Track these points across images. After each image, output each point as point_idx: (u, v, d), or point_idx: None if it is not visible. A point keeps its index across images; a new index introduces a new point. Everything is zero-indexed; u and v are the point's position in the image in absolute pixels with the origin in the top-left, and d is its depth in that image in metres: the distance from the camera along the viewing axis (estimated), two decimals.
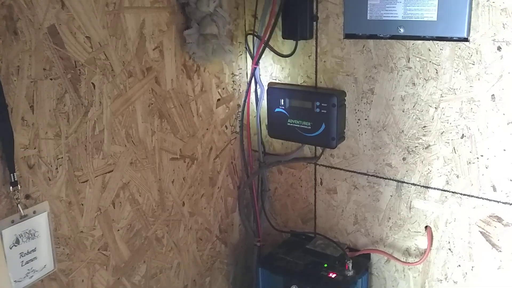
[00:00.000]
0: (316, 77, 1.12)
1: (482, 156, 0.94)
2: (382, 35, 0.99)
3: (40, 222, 0.79)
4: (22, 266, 0.78)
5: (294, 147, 1.21)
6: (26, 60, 0.74)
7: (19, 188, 0.75)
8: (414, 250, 1.08)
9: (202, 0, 0.97)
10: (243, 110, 1.22)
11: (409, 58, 0.97)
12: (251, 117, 1.24)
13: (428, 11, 0.92)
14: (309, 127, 1.10)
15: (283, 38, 1.10)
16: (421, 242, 1.07)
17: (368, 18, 0.99)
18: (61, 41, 0.78)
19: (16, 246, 0.76)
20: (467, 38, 0.90)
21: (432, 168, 1.01)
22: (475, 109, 0.93)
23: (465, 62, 0.91)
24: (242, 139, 1.25)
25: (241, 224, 1.33)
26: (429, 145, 1.00)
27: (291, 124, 1.12)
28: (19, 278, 0.77)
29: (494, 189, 0.94)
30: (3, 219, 0.73)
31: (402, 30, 0.96)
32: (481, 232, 0.98)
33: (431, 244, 1.05)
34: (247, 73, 1.24)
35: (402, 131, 1.02)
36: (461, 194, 0.99)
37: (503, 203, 0.94)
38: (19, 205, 0.75)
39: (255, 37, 1.16)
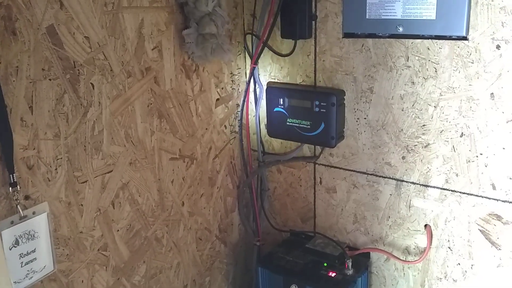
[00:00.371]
0: (315, 76, 1.12)
1: (481, 154, 0.94)
2: (381, 34, 0.99)
3: (40, 223, 0.79)
4: (21, 267, 0.77)
5: (294, 147, 1.20)
6: (25, 60, 0.74)
7: (19, 189, 0.75)
8: (414, 248, 1.09)
9: None
10: (242, 109, 1.22)
11: (408, 57, 0.97)
12: (250, 117, 1.24)
13: (427, 10, 0.92)
14: (309, 127, 1.09)
15: (282, 37, 1.10)
16: (421, 240, 1.07)
17: (367, 17, 0.99)
18: (60, 41, 0.78)
19: (15, 247, 0.76)
20: (466, 37, 0.90)
21: (431, 166, 1.01)
22: (474, 107, 0.93)
23: (464, 61, 0.92)
24: (241, 139, 1.25)
25: (240, 223, 1.33)
26: (429, 144, 1.00)
27: (291, 124, 1.12)
28: (18, 279, 0.77)
29: (494, 188, 0.95)
30: (2, 220, 0.73)
31: (401, 29, 0.96)
32: (480, 231, 0.99)
33: (431, 242, 1.05)
34: (246, 72, 1.24)
35: (402, 130, 1.02)
36: (460, 192, 0.99)
37: (502, 201, 0.94)
38: (18, 206, 0.75)
39: (254, 37, 1.16)
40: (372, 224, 1.13)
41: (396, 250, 1.11)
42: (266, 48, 1.13)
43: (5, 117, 0.71)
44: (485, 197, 0.96)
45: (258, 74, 1.19)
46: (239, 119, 1.23)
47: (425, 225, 1.05)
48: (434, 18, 0.92)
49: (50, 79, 0.77)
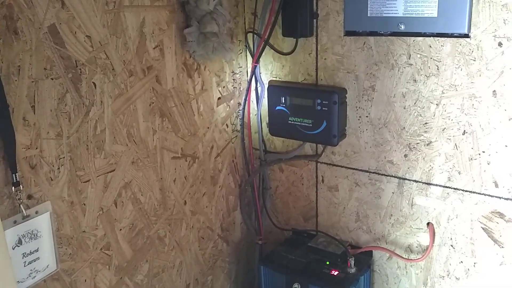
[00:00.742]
0: (316, 74, 1.11)
1: (483, 152, 0.94)
2: (382, 32, 0.99)
3: (43, 222, 0.79)
4: (24, 266, 0.78)
5: (295, 145, 1.20)
6: (26, 60, 0.74)
7: (21, 189, 0.75)
8: (416, 246, 1.08)
9: None
10: (243, 108, 1.22)
11: (410, 55, 0.97)
12: (252, 116, 1.23)
13: (428, 7, 0.92)
14: (310, 125, 1.09)
15: (283, 35, 1.10)
16: (423, 238, 1.07)
17: (368, 15, 0.99)
18: (62, 41, 0.78)
19: (18, 246, 0.76)
20: (468, 34, 0.90)
21: (433, 164, 1.01)
22: (476, 105, 0.93)
23: (466, 58, 0.91)
24: (243, 138, 1.24)
25: (242, 222, 1.33)
26: (431, 142, 1.00)
27: (292, 122, 1.12)
28: (22, 279, 0.77)
29: (496, 185, 0.94)
30: (5, 220, 0.73)
31: (402, 26, 0.96)
32: (483, 228, 0.98)
33: (433, 240, 1.05)
34: (247, 71, 1.24)
35: (404, 128, 1.02)
36: (463, 190, 0.99)
37: (505, 199, 0.94)
38: (21, 206, 0.75)
39: (255, 35, 1.16)
40: (374, 223, 1.13)
41: (399, 248, 1.11)
42: (267, 46, 1.13)
43: (8, 117, 0.71)
44: (487, 195, 0.96)
45: (260, 73, 1.19)
46: (240, 118, 1.23)
47: (428, 223, 1.05)
48: (436, 16, 0.92)
49: (52, 79, 0.77)
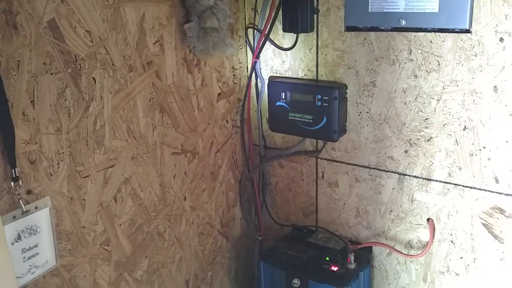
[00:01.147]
0: (317, 70, 1.11)
1: (484, 148, 0.94)
2: (383, 27, 0.99)
3: (42, 218, 0.79)
4: (24, 262, 0.77)
5: (295, 141, 1.20)
6: (26, 54, 0.73)
7: (21, 184, 0.74)
8: (416, 242, 1.08)
9: None
10: (243, 104, 1.21)
11: (411, 50, 0.97)
12: (252, 111, 1.23)
13: (429, 3, 0.91)
14: (311, 121, 1.09)
15: (284, 31, 1.10)
16: (423, 234, 1.07)
17: (369, 10, 0.98)
18: (61, 35, 0.78)
19: (18, 242, 0.76)
20: (469, 30, 0.90)
21: (434, 160, 1.01)
22: (477, 100, 0.93)
23: (467, 54, 0.91)
24: (243, 133, 1.24)
25: (242, 218, 1.32)
26: (431, 138, 1.00)
27: (292, 118, 1.12)
28: (21, 274, 0.77)
29: (497, 181, 0.94)
30: (4, 215, 0.73)
31: (403, 22, 0.95)
32: (483, 224, 0.98)
33: (433, 236, 1.05)
34: (247, 67, 1.23)
35: (404, 123, 1.02)
36: (463, 186, 0.99)
37: (505, 194, 0.94)
38: (20, 201, 0.75)
39: (255, 31, 1.16)
40: (374, 218, 1.13)
41: (399, 244, 1.11)
42: (267, 42, 1.12)
43: (7, 112, 0.71)
44: (488, 190, 0.96)
45: (260, 68, 1.18)
46: (240, 113, 1.23)
47: (428, 219, 1.05)
48: (437, 11, 0.91)
49: (51, 73, 0.77)
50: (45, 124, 0.77)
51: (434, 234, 1.05)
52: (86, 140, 0.85)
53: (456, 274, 1.05)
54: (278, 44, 1.14)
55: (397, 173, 1.07)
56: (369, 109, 1.06)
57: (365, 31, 1.01)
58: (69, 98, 0.80)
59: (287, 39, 1.13)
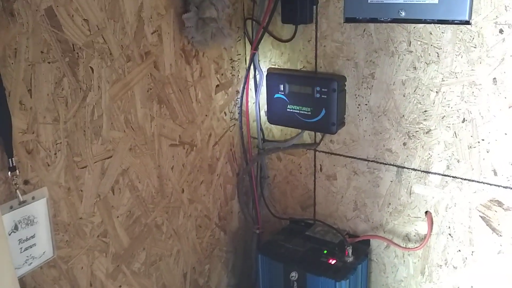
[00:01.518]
0: (316, 62, 1.11)
1: (483, 140, 0.94)
2: (383, 19, 0.98)
3: (39, 208, 0.78)
4: (21, 252, 0.77)
5: (294, 134, 1.20)
6: (23, 42, 0.72)
7: (18, 174, 0.74)
8: (414, 235, 1.08)
9: None
10: (242, 96, 1.21)
11: (410, 42, 0.96)
12: (250, 104, 1.23)
13: None
14: (309, 113, 1.09)
15: (283, 22, 1.09)
16: (421, 227, 1.07)
17: (368, 1, 0.98)
18: (59, 24, 0.77)
19: (14, 232, 0.75)
20: (468, 21, 0.89)
21: (432, 153, 1.00)
22: (476, 92, 0.92)
23: (467, 46, 0.91)
24: (241, 126, 1.24)
25: (240, 211, 1.32)
26: (430, 130, 0.99)
27: (291, 110, 1.11)
28: (18, 265, 0.76)
29: (495, 174, 0.94)
30: (1, 205, 0.72)
31: (403, 13, 0.95)
32: (481, 217, 0.98)
33: (431, 229, 1.05)
34: (246, 58, 1.22)
35: (403, 116, 1.02)
36: (461, 178, 0.99)
37: (503, 187, 0.94)
38: (17, 191, 0.74)
39: (254, 22, 1.15)
40: (372, 211, 1.13)
41: (396, 237, 1.11)
42: (266, 33, 1.12)
43: (4, 100, 0.70)
44: (486, 183, 0.96)
45: (258, 60, 1.18)
46: (239, 106, 1.23)
47: (426, 212, 1.05)
48: (437, 2, 0.91)
49: (49, 62, 0.76)
50: (42, 114, 0.77)
51: (432, 227, 1.05)
52: (84, 131, 0.84)
53: (454, 267, 1.05)
54: (276, 35, 1.13)
55: (395, 165, 1.06)
56: (368, 101, 1.06)
57: (364, 23, 1.01)
58: (66, 87, 0.80)
59: (286, 31, 1.12)
